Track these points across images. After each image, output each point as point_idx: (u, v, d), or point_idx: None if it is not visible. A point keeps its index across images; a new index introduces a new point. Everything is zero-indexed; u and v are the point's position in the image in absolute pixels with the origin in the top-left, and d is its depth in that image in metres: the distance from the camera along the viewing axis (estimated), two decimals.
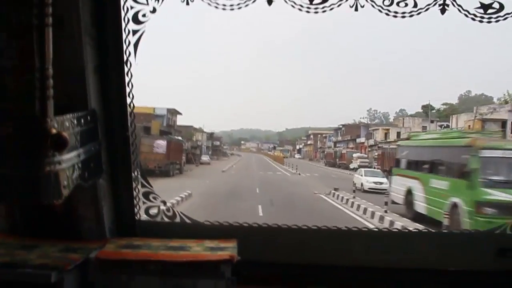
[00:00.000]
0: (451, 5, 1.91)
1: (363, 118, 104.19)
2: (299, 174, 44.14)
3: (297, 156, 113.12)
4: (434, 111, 70.36)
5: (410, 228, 2.50)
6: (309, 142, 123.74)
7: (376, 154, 46.57)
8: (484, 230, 2.43)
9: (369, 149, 62.84)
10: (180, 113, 53.27)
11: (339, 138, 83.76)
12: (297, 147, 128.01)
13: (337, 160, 63.13)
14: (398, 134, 62.69)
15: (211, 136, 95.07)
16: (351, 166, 53.27)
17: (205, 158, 60.72)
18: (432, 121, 61.80)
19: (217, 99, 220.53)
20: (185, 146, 49.86)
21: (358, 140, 69.10)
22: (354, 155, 58.71)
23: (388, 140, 58.24)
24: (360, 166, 47.44)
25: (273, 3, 1.88)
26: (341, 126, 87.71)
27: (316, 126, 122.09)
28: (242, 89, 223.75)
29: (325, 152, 78.21)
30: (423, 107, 69.25)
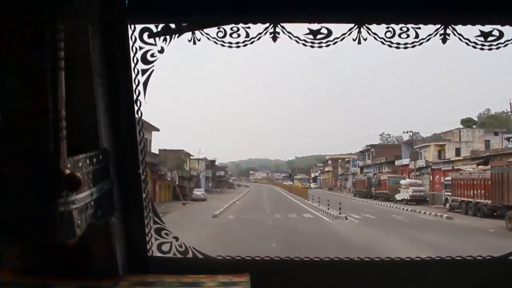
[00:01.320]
0: (452, 35, 1.96)
1: (387, 139, 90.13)
2: (345, 217, 28.27)
3: (313, 185, 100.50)
4: (474, 126, 59.01)
5: (423, 257, 2.45)
6: (326, 169, 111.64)
7: (450, 179, 33.25)
8: (498, 256, 2.34)
9: (417, 173, 49.42)
10: (157, 129, 34.11)
11: (368, 162, 71.68)
12: (312, 175, 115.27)
13: (372, 189, 51.10)
14: (458, 150, 48.19)
15: (212, 164, 73.51)
16: (398, 197, 42.43)
17: (198, 192, 46.55)
18: (496, 133, 51.50)
19: (223, 130, 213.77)
20: (167, 176, 40.88)
21: (397, 163, 57.64)
22: (403, 182, 44.49)
23: (446, 158, 45.75)
24: (413, 197, 40.64)
25: (278, 39, 1.91)
26: (369, 147, 75.21)
27: (327, 153, 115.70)
28: (248, 119, 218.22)
29: (354, 180, 64.71)
30: (464, 121, 60.43)
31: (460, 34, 1.98)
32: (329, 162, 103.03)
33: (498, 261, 2.28)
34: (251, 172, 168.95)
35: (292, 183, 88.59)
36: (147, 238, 2.15)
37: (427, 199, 38.34)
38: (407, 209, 32.87)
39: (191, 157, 57.55)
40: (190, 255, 2.22)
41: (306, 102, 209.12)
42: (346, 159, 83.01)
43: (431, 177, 42.36)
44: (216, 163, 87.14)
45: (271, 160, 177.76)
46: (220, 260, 2.22)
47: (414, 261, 2.36)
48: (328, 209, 29.77)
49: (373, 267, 2.26)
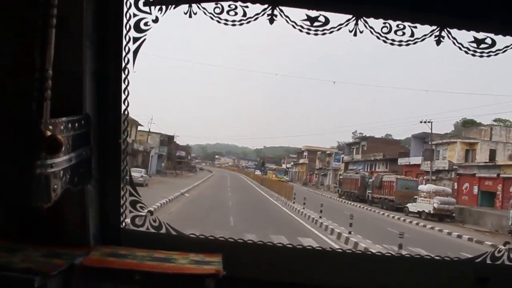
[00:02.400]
0: (446, 37, 1.98)
1: (356, 138, 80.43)
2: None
3: (286, 179, 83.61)
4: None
5: (393, 253, 2.66)
6: (301, 161, 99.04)
7: None
8: (465, 258, 2.43)
9: (434, 178, 38.96)
10: None
11: (357, 157, 61.25)
12: (283, 166, 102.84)
13: (368, 191, 40.36)
14: (493, 152, 38.55)
15: (169, 141, 69.91)
16: (413, 207, 31.10)
17: (136, 173, 30.85)
18: None
19: (192, 111, 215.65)
20: None
21: (402, 161, 47.49)
22: (423, 187, 33.18)
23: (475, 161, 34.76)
24: (439, 211, 29.87)
25: (274, 25, 1.90)
26: (358, 140, 65.08)
27: (295, 146, 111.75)
28: (218, 103, 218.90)
29: (341, 178, 52.21)
30: (466, 122, 52.43)
31: (454, 38, 2.01)
32: (305, 153, 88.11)
33: (465, 263, 2.36)
34: (216, 156, 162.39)
35: (262, 173, 73.22)
36: (122, 210, 2.12)
37: (454, 214, 28.82)
38: (440, 230, 24.19)
39: (139, 127, 41.23)
40: (163, 230, 2.20)
41: (280, 92, 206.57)
42: (328, 152, 68.32)
43: (455, 184, 33.84)
44: (179, 142, 77.88)
45: (238, 147, 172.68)
46: (193, 238, 2.22)
47: (385, 256, 2.50)
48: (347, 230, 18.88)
49: (344, 258, 2.32)
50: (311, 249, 2.26)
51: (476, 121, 47.18)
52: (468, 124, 46.78)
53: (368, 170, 50.98)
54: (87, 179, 1.81)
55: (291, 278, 2.14)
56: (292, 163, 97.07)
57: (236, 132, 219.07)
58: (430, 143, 35.62)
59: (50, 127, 1.37)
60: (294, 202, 28.68)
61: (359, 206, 34.52)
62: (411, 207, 29.46)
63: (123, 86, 1.95)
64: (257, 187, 50.87)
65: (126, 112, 2.00)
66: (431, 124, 34.64)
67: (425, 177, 34.52)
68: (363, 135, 57.72)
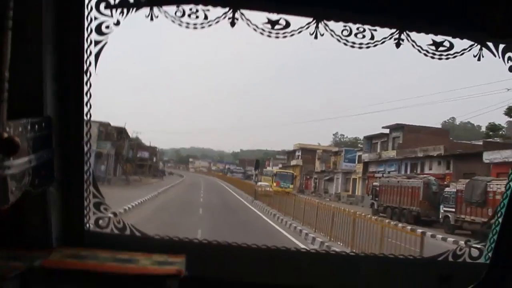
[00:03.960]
0: (405, 40, 2.06)
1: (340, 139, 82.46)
2: None
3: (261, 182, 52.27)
4: None
5: (356, 251, 4.41)
6: (293, 163, 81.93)
7: None
8: (427, 256, 2.52)
9: None
10: None
11: (388, 154, 44.41)
12: (268, 168, 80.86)
13: (444, 208, 25.57)
14: None
15: (120, 136, 51.21)
16: None
17: None
18: None
19: (165, 114, 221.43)
20: None
21: (493, 158, 29.59)
22: None
23: None
24: None
25: (235, 26, 2.01)
26: (386, 131, 47.70)
27: (273, 149, 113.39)
28: (193, 107, 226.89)
29: (377, 185, 35.31)
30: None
31: (413, 41, 2.07)
32: (298, 153, 66.97)
33: (428, 262, 2.45)
34: (190, 159, 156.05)
35: (255, 179, 51.89)
36: (85, 212, 2.14)
37: None
38: None
39: None
40: (127, 232, 2.23)
41: (256, 94, 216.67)
42: (333, 150, 47.48)
43: None
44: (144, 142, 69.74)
45: (214, 151, 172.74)
46: (157, 239, 2.25)
47: (349, 255, 2.73)
48: None
49: (308, 257, 2.39)
50: (275, 248, 2.31)
51: None
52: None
53: (407, 171, 38.91)
54: (49, 181, 1.87)
55: (256, 278, 2.23)
56: (280, 166, 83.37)
57: (212, 136, 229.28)
58: None
59: (8, 129, 1.41)
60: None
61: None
62: None
63: (85, 88, 2.01)
64: (247, 202, 37.26)
65: (88, 115, 2.07)
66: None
67: None
68: (397, 124, 37.92)
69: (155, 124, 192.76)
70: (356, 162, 50.62)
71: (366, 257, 2.50)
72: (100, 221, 2.21)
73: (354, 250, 4.85)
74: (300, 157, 74.43)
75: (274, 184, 47.00)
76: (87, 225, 2.16)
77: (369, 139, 50.29)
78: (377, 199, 33.45)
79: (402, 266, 2.35)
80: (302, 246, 21.97)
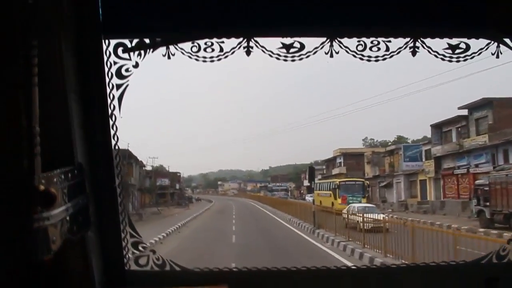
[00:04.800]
0: (421, 47, 2.12)
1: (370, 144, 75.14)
2: None
3: (309, 198, 52.34)
4: None
5: (398, 263, 2.73)
6: (335, 171, 69.93)
7: None
8: (470, 261, 2.52)
9: None
10: None
11: (477, 141, 34.13)
12: (305, 182, 75.15)
13: None
14: None
15: (123, 161, 10.91)
16: None
17: None
18: None
19: (193, 143, 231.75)
20: None
21: None
22: None
23: None
24: None
25: (251, 54, 2.13)
26: (464, 113, 36.69)
27: (302, 162, 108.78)
28: (218, 131, 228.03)
29: (485, 185, 25.07)
30: None
31: (429, 47, 2.11)
32: (339, 160, 54.83)
33: (472, 265, 2.47)
34: (219, 183, 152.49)
35: (310, 194, 41.35)
36: (124, 252, 2.24)
37: None
38: None
39: None
40: (167, 268, 2.31)
41: (281, 112, 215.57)
42: (389, 149, 34.97)
43: None
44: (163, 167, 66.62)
45: (243, 171, 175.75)
46: (197, 272, 2.30)
47: (391, 268, 2.73)
48: None
49: (350, 275, 2.44)
50: (315, 269, 2.35)
51: None
52: None
53: (508, 161, 29.05)
54: (86, 226, 1.94)
55: None
56: (319, 177, 71.40)
57: (239, 156, 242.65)
58: None
59: (43, 181, 1.49)
60: None
61: None
62: None
63: (112, 132, 2.13)
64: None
65: (117, 157, 2.20)
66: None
67: None
68: (482, 99, 26.03)
69: (180, 151, 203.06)
70: (423, 159, 39.72)
71: (408, 268, 2.50)
72: (140, 260, 2.29)
73: (395, 263, 4.62)
74: (342, 163, 63.47)
75: (339, 200, 35.94)
76: (127, 265, 2.26)
77: (438, 127, 40.11)
78: (487, 204, 22.70)
79: (446, 273, 2.38)
80: None
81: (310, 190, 43.34)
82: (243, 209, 53.24)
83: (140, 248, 2.27)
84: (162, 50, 2.12)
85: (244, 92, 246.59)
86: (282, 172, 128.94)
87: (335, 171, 67.63)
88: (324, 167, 77.23)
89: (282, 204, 46.17)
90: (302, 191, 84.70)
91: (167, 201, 62.16)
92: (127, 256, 2.23)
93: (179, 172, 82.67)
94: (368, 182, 45.87)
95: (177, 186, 74.31)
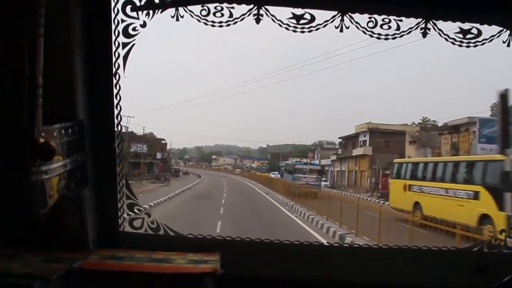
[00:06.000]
0: (432, 29, 2.14)
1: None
2: None
3: (325, 184, 48.81)
4: None
5: (390, 244, 2.68)
6: (356, 152, 56.01)
7: None
8: (462, 248, 2.90)
9: None
10: None
11: None
12: (316, 162, 59.01)
13: None
14: None
15: None
16: None
17: None
18: None
19: (188, 114, 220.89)
20: None
21: None
22: None
23: None
24: None
25: (261, 22, 2.15)
26: None
27: (302, 143, 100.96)
28: (215, 105, 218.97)
29: None
30: None
31: (440, 30, 2.12)
32: (364, 137, 35.51)
33: (463, 253, 2.67)
34: (213, 157, 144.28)
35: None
36: (119, 213, 2.31)
37: None
38: None
39: None
40: (161, 232, 2.39)
41: (280, 89, 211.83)
42: (454, 124, 17.43)
43: None
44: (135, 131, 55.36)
45: (239, 147, 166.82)
46: (191, 238, 2.39)
47: (382, 248, 2.77)
48: None
49: (343, 252, 2.58)
50: (308, 244, 2.48)
51: None
52: None
53: None
54: (83, 184, 2.04)
55: (290, 274, 2.37)
56: (334, 157, 59.99)
57: (237, 132, 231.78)
58: None
59: (43, 134, 1.54)
60: None
61: None
62: None
63: (115, 91, 2.19)
64: None
65: (119, 117, 2.24)
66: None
67: None
68: None
69: (177, 124, 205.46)
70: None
71: (399, 249, 2.53)
72: (135, 222, 2.37)
73: (387, 244, 2.63)
74: (367, 143, 49.23)
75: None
76: (122, 226, 2.34)
77: None
78: None
79: (436, 257, 2.44)
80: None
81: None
82: (237, 192, 39.35)
83: (136, 210, 2.34)
84: (171, 11, 2.13)
85: (249, 67, 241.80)
86: (280, 150, 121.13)
87: (357, 151, 54.60)
88: (340, 145, 63.50)
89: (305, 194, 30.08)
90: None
91: (141, 173, 48.62)
92: (122, 217, 2.31)
93: (163, 139, 69.93)
94: (361, 167, 42.24)
95: (159, 156, 60.85)
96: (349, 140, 60.88)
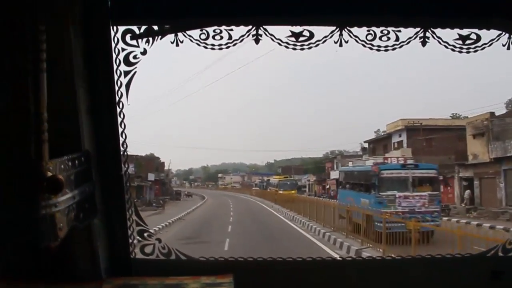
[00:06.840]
0: (431, 38, 2.19)
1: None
2: None
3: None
4: None
5: (404, 255, 2.91)
6: (390, 155, 38.37)
7: None
8: (476, 253, 2.73)
9: None
10: None
11: None
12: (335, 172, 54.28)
13: None
14: None
15: None
16: None
17: None
18: None
19: (193, 135, 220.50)
20: None
21: None
22: None
23: None
24: None
25: (260, 42, 2.30)
26: None
27: (310, 156, 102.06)
28: (220, 124, 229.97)
29: None
30: None
31: (439, 37, 2.17)
32: (400, 137, 21.76)
33: (477, 258, 2.64)
34: (220, 175, 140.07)
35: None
36: (130, 240, 2.38)
37: None
38: None
39: None
40: (173, 256, 2.48)
41: (286, 104, 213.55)
42: None
43: None
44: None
45: (246, 165, 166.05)
46: (203, 261, 2.47)
47: (396, 260, 2.81)
48: None
49: (355, 267, 2.62)
50: (321, 260, 2.53)
51: None
52: None
53: None
54: (93, 214, 2.07)
55: None
56: (350, 164, 38.55)
57: (243, 151, 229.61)
58: None
59: (51, 168, 1.61)
60: None
61: None
62: None
63: (119, 119, 2.25)
64: None
65: (124, 145, 2.32)
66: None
67: None
68: None
69: (181, 144, 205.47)
70: None
71: (413, 260, 2.65)
72: (146, 248, 2.46)
73: (400, 255, 3.58)
74: (405, 143, 39.74)
75: None
76: (133, 253, 2.43)
77: None
78: None
79: (450, 265, 2.53)
80: None
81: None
82: (248, 219, 29.26)
83: (146, 236, 2.42)
84: (170, 37, 2.22)
85: (249, 86, 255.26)
86: (289, 164, 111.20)
87: (392, 154, 44.14)
88: (367, 149, 53.76)
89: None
90: (328, 186, 61.60)
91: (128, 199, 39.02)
92: (132, 244, 2.39)
93: (158, 158, 61.08)
94: None
95: (151, 177, 51.63)
96: (379, 143, 54.68)
